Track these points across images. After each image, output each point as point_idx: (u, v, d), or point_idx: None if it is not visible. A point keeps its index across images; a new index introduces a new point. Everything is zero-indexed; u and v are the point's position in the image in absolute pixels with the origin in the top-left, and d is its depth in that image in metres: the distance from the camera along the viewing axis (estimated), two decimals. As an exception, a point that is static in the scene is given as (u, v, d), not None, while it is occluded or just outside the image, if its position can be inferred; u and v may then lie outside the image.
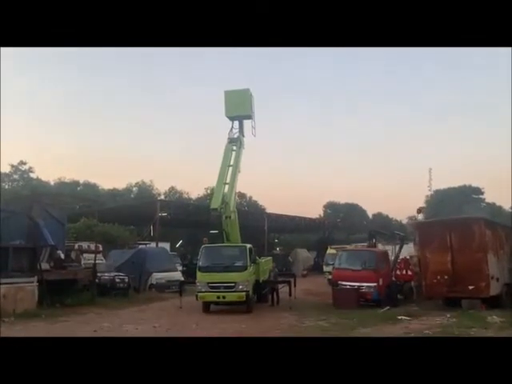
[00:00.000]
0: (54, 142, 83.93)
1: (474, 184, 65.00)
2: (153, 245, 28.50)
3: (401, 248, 18.78)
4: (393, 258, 18.20)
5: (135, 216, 32.65)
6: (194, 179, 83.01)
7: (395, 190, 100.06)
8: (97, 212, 29.28)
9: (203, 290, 14.48)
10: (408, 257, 19.52)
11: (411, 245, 23.31)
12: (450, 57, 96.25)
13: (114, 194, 54.35)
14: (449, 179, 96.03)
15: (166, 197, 52.98)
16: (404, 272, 17.81)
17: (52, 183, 54.06)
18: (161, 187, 58.33)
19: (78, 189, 53.68)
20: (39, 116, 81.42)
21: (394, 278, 16.89)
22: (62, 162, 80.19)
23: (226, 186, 16.13)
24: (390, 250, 20.52)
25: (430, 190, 58.62)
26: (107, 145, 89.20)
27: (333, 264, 21.99)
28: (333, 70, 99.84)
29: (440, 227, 14.58)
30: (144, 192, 55.75)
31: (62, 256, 18.41)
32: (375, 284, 15.34)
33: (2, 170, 50.37)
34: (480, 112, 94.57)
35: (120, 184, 59.35)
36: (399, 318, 12.60)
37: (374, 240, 17.95)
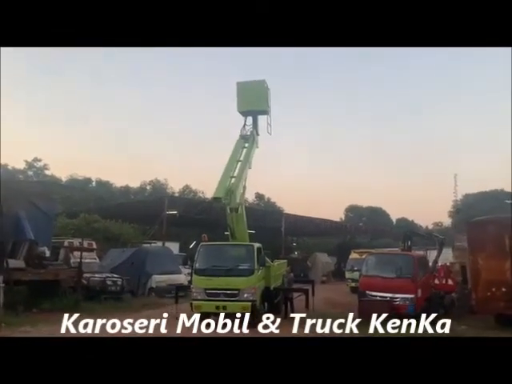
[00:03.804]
0: (69, 140, 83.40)
1: (507, 189, 61.20)
2: (160, 244, 26.25)
3: (439, 253, 15.93)
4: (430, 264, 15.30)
5: (142, 213, 30.40)
6: (209, 179, 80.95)
7: (419, 196, 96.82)
8: (93, 206, 26.93)
9: (199, 297, 11.91)
10: (448, 263, 16.74)
11: (447, 250, 20.52)
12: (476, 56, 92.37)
13: (127, 191, 52.68)
14: (476, 184, 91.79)
15: (179, 195, 50.74)
16: (444, 281, 14.94)
17: (64, 180, 52.72)
18: (175, 186, 56.52)
19: (90, 186, 52.15)
20: (55, 114, 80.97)
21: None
22: (76, 160, 79.58)
23: (233, 180, 13.50)
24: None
25: (455, 196, 55.16)
26: (124, 144, 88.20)
27: (357, 270, 19.36)
28: (357, 70, 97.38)
29: (496, 227, 11.69)
30: (158, 191, 53.82)
31: (48, 253, 16.19)
32: (413, 296, 12.45)
33: (18, 167, 49.74)
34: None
35: (135, 183, 57.77)
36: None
37: (409, 243, 15.00)
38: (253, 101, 15.21)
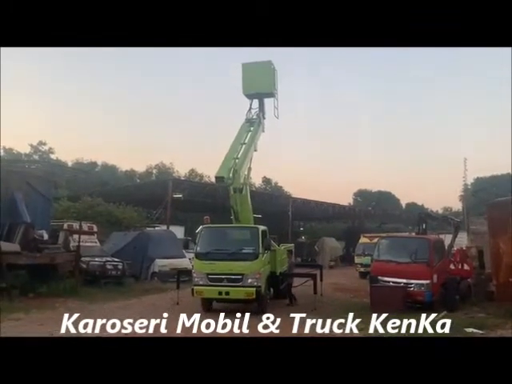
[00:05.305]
0: (75, 124, 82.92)
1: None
2: (164, 228, 25.60)
3: (455, 236, 15.09)
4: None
5: (146, 197, 29.77)
6: (216, 163, 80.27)
7: (428, 181, 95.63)
8: (96, 190, 26.30)
9: (201, 282, 11.23)
10: (464, 248, 15.91)
11: (461, 234, 19.68)
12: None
13: (132, 176, 52.15)
14: (486, 169, 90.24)
15: (185, 179, 50.07)
16: (460, 266, 14.12)
17: (69, 164, 52.16)
18: (181, 170, 55.86)
19: (96, 170, 51.60)
20: (61, 98, 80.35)
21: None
22: (81, 145, 79.21)
23: (237, 161, 12.69)
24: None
25: (464, 181, 54.05)
26: (130, 129, 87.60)
27: (369, 255, 18.61)
28: (367, 52, 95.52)
29: (520, 208, 10.83)
30: (164, 175, 53.19)
31: (46, 236, 15.62)
32: (428, 281, 11.67)
33: (22, 151, 49.23)
34: None
35: (140, 167, 57.14)
36: (467, 330, 9.07)
37: (424, 225, 14.16)
38: (259, 83, 14.35)
